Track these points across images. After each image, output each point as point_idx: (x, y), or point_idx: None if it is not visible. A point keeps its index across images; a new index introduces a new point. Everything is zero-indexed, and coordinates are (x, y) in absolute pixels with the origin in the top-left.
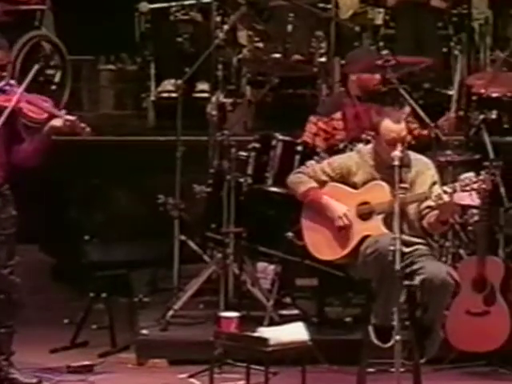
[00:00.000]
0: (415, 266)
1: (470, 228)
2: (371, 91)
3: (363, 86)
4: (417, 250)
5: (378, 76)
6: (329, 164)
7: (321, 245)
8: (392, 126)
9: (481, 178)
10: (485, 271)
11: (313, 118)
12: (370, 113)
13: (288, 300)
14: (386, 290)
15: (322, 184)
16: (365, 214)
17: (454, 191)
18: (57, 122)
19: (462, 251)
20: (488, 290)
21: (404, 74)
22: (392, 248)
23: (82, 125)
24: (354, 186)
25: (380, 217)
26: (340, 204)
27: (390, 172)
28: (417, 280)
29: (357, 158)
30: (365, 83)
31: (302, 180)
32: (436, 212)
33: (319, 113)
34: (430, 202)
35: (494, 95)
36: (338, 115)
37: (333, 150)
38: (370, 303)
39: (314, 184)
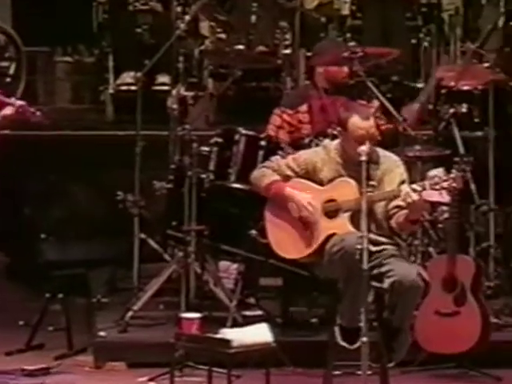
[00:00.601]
0: (384, 268)
1: (439, 226)
2: (338, 84)
3: (331, 79)
4: (385, 250)
5: (345, 69)
6: (294, 159)
7: (285, 243)
8: (361, 122)
9: (451, 176)
10: (455, 270)
11: (277, 111)
12: (336, 106)
13: (252, 300)
14: (352, 290)
15: (286, 179)
16: (331, 212)
17: (424, 189)
18: (8, 111)
19: (431, 249)
20: (458, 290)
21: (371, 66)
22: (359, 246)
23: (32, 109)
24: (320, 183)
25: (346, 215)
26: (304, 193)
27: (358, 169)
28: (386, 283)
29: (323, 154)
30: (332, 76)
31: (265, 174)
32: (405, 211)
33: (284, 106)
34: (398, 201)
35: (465, 88)
36: (304, 108)
37: (298, 145)
38: (336, 303)
39: (277, 177)
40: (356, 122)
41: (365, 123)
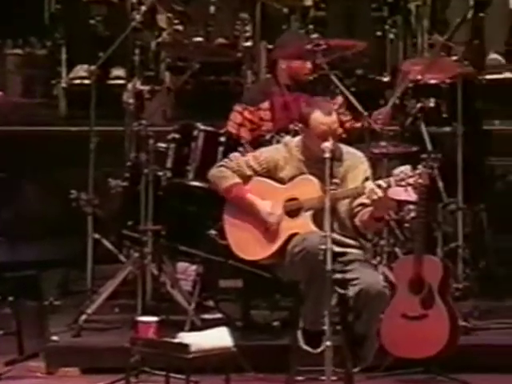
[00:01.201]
0: (349, 275)
1: (406, 225)
2: (301, 80)
3: (293, 75)
4: (349, 254)
5: (308, 64)
6: (254, 157)
7: (245, 244)
8: (323, 118)
9: (418, 172)
10: (422, 271)
11: (238, 107)
12: (299, 103)
13: (211, 303)
14: (315, 292)
15: (247, 179)
16: (292, 211)
17: (389, 186)
18: None
19: (397, 250)
20: (425, 292)
21: (335, 59)
22: (322, 247)
23: None
24: (281, 182)
25: (309, 214)
26: (265, 202)
27: (320, 166)
28: (351, 291)
29: (284, 152)
30: (295, 72)
31: (224, 175)
32: (369, 209)
33: (245, 102)
34: (362, 199)
35: (432, 82)
36: (266, 105)
37: (258, 142)
38: (298, 306)
39: (237, 179)
40: (318, 117)
41: (327, 119)
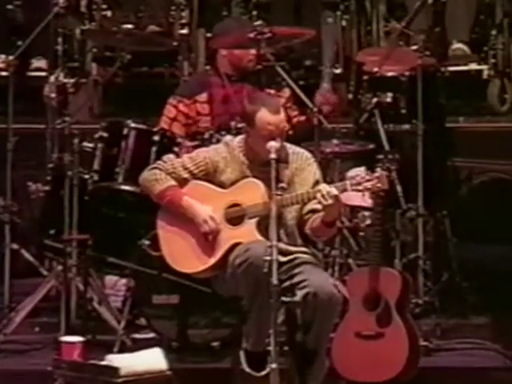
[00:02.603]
0: (296, 279)
1: (360, 233)
2: (244, 70)
3: (235, 64)
4: (297, 258)
5: (252, 51)
6: (191, 159)
7: (181, 255)
8: (270, 117)
9: (375, 175)
10: (378, 285)
11: (172, 100)
12: (241, 95)
13: (143, 321)
14: (259, 309)
15: (183, 182)
16: (235, 218)
17: (343, 191)
18: None
19: (351, 261)
20: (382, 308)
21: (281, 48)
22: (267, 258)
23: None
24: (222, 186)
25: (253, 221)
26: (204, 206)
27: (265, 169)
28: (298, 295)
29: (225, 153)
30: (237, 60)
31: (158, 177)
32: (320, 214)
33: (180, 94)
34: (312, 205)
35: (389, 74)
36: (204, 97)
37: (195, 140)
38: (241, 324)
39: (172, 182)
40: (264, 116)
41: (274, 118)
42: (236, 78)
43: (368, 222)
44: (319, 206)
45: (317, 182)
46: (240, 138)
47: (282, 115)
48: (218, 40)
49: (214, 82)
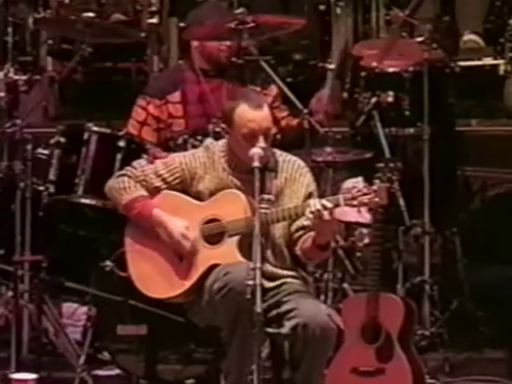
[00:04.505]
0: (284, 307)
1: (357, 254)
2: (218, 64)
3: (207, 57)
4: (285, 284)
5: (227, 43)
6: (165, 165)
7: (151, 278)
8: (249, 112)
9: (374, 188)
10: (378, 314)
11: (141, 101)
12: (220, 93)
13: (106, 355)
14: (241, 341)
15: (155, 192)
16: (213, 236)
17: (337, 206)
18: None
19: (346, 286)
20: (382, 341)
21: (266, 40)
22: (249, 282)
23: None
24: (198, 197)
25: (234, 240)
26: (178, 219)
27: (249, 178)
28: (286, 327)
29: (204, 158)
30: (208, 52)
31: (126, 186)
32: (312, 234)
33: (149, 93)
34: (303, 221)
35: (391, 70)
36: (176, 96)
37: (168, 146)
38: (218, 359)
39: (143, 192)
40: (244, 112)
41: (256, 113)
42: (213, 73)
43: (366, 240)
44: (310, 223)
45: (310, 195)
46: (223, 141)
47: (266, 111)
48: (193, 30)
49: (188, 79)
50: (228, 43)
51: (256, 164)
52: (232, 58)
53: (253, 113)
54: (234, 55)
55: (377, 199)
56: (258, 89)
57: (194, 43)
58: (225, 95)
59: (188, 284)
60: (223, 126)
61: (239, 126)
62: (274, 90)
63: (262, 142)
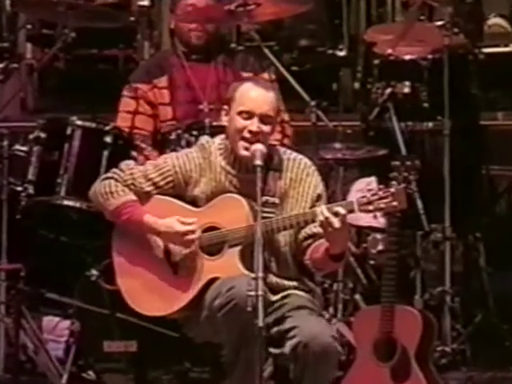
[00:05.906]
0: (286, 325)
1: (371, 262)
2: (192, 45)
3: (180, 38)
4: (289, 296)
5: (193, 24)
6: (156, 167)
7: (143, 293)
8: (253, 91)
9: (392, 190)
10: (393, 329)
11: (128, 92)
12: (207, 79)
13: (91, 375)
14: (245, 363)
15: (145, 197)
16: (212, 246)
17: (351, 212)
18: None
19: (358, 297)
20: (398, 358)
21: (268, 24)
22: (251, 293)
23: None
24: (194, 203)
25: (236, 250)
26: (172, 218)
27: (250, 178)
28: (287, 347)
29: (199, 159)
30: (181, 33)
31: (113, 190)
32: (322, 242)
33: (134, 80)
34: (313, 228)
35: (407, 58)
36: (163, 81)
37: (159, 141)
38: (217, 379)
39: (131, 196)
40: (247, 89)
41: (259, 93)
42: (199, 57)
43: (380, 247)
44: (320, 230)
45: (318, 198)
46: (221, 138)
47: (271, 96)
48: (182, 13)
49: (174, 63)
50: (194, 25)
51: (258, 162)
52: (209, 39)
53: (255, 92)
54: (211, 38)
55: (395, 203)
56: (250, 74)
57: (171, 25)
58: (214, 81)
59: (185, 300)
60: (225, 107)
61: (238, 103)
62: (266, 76)
63: (254, 125)
